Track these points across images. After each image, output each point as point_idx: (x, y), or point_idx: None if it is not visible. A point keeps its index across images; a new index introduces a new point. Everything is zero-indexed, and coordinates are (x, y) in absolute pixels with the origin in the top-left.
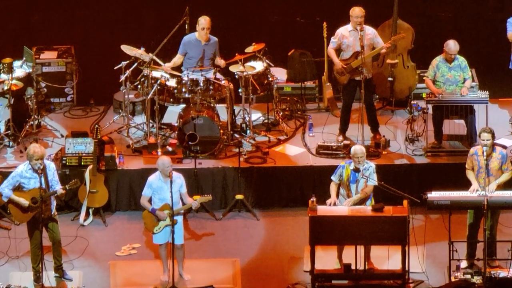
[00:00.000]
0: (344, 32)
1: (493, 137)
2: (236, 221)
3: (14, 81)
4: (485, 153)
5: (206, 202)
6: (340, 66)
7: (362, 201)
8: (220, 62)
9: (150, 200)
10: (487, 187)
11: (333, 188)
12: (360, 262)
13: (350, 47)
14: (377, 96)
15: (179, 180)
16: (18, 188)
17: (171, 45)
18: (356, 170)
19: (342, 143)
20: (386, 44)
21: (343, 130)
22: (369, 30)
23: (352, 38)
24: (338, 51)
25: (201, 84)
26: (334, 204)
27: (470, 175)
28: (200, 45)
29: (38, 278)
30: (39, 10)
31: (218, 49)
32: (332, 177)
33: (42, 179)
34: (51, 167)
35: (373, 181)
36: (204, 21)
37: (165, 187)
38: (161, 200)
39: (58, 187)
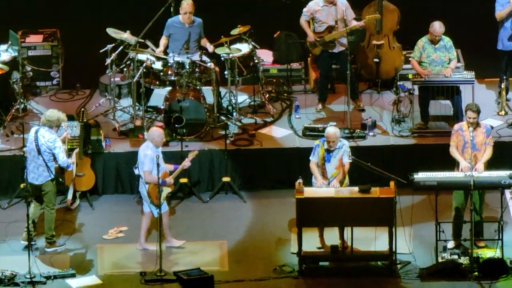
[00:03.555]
0: (316, 7)
1: (479, 113)
2: (223, 204)
3: None
4: (471, 129)
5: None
6: (313, 39)
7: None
8: (210, 47)
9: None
10: (476, 167)
11: (315, 169)
12: (346, 244)
13: (323, 22)
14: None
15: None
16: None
17: (158, 28)
18: (329, 150)
19: (328, 125)
20: (360, 22)
21: (322, 99)
22: (341, 3)
23: (324, 12)
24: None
25: (187, 67)
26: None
27: (455, 153)
28: (184, 28)
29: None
30: None
31: (202, 31)
32: (312, 158)
33: None
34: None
35: (349, 159)
36: (186, 5)
37: (161, 157)
38: (160, 170)
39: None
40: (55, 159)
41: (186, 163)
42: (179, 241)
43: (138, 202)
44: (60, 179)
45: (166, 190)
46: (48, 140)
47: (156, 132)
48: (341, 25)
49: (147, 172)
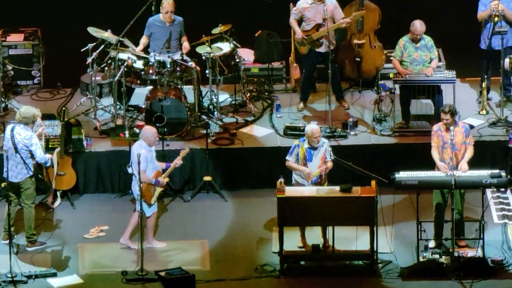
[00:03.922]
0: (305, 5)
1: (453, 114)
2: (204, 203)
3: None
4: (452, 132)
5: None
6: (301, 36)
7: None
8: (184, 48)
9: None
10: (459, 166)
11: (293, 164)
12: (328, 243)
13: (311, 20)
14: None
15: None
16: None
17: (139, 27)
18: (313, 148)
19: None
20: (347, 19)
21: (303, 98)
22: (330, 2)
23: (313, 11)
24: (300, 21)
25: (168, 66)
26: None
27: (434, 155)
28: (165, 27)
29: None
30: None
31: (183, 29)
32: (288, 157)
33: None
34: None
35: (331, 157)
36: (167, 5)
37: (154, 155)
38: (153, 169)
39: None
40: (32, 156)
41: (178, 162)
42: (161, 243)
43: (132, 201)
44: (40, 175)
45: (158, 190)
46: (24, 137)
47: (150, 130)
48: (329, 23)
49: (142, 172)
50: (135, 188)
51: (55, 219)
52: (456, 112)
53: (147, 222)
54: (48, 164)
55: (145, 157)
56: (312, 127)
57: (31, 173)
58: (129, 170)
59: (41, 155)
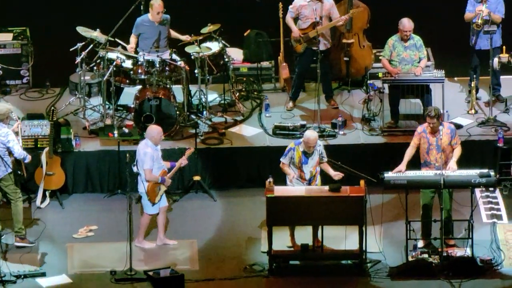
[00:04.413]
0: (302, 2)
1: (438, 117)
2: (193, 202)
3: None
4: (440, 135)
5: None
6: (297, 34)
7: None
8: (184, 37)
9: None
10: (448, 166)
11: (286, 166)
12: (319, 242)
13: (307, 18)
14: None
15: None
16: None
17: (128, 26)
18: (307, 153)
19: (299, 123)
20: (344, 16)
21: (293, 97)
22: (327, 1)
23: (310, 9)
24: (296, 20)
25: (157, 65)
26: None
27: (407, 154)
28: (154, 26)
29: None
30: None
31: (169, 26)
32: (282, 159)
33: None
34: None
35: (325, 158)
36: (157, 6)
37: (160, 154)
38: (159, 168)
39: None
40: (10, 153)
41: (183, 161)
42: (171, 240)
43: (135, 201)
44: (19, 172)
45: (162, 189)
46: (0, 134)
47: (155, 129)
48: (325, 22)
49: (148, 171)
50: (141, 187)
51: (44, 219)
52: (440, 114)
53: (142, 220)
54: (27, 160)
55: (151, 156)
56: (310, 135)
57: (9, 170)
58: (135, 169)
59: (19, 150)
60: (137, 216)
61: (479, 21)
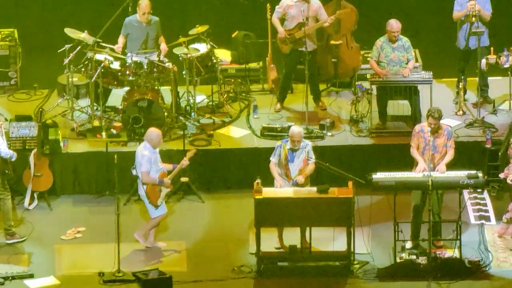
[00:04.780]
0: (289, 2)
1: (440, 118)
2: (181, 204)
3: None
4: (437, 133)
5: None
6: (283, 35)
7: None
8: (163, 49)
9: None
10: (437, 167)
11: (274, 170)
12: (307, 243)
13: (294, 18)
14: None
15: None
16: None
17: (115, 28)
18: (293, 150)
19: (287, 125)
20: (330, 17)
21: (281, 99)
22: (314, 2)
23: (297, 9)
24: (282, 21)
25: (145, 67)
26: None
27: (416, 154)
28: (142, 27)
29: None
30: None
31: (160, 29)
32: (272, 158)
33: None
34: None
35: (312, 159)
36: (144, 6)
37: (158, 157)
38: (157, 171)
39: None
40: None
41: (184, 162)
42: (162, 243)
43: (124, 202)
44: (6, 171)
45: (165, 191)
46: None
47: (154, 133)
48: (312, 23)
49: (145, 173)
50: (141, 190)
51: (32, 220)
52: (442, 115)
53: (152, 221)
54: (14, 159)
55: (148, 158)
56: (294, 130)
57: None
58: (134, 172)
59: (5, 149)
60: (125, 217)
61: (473, 14)
